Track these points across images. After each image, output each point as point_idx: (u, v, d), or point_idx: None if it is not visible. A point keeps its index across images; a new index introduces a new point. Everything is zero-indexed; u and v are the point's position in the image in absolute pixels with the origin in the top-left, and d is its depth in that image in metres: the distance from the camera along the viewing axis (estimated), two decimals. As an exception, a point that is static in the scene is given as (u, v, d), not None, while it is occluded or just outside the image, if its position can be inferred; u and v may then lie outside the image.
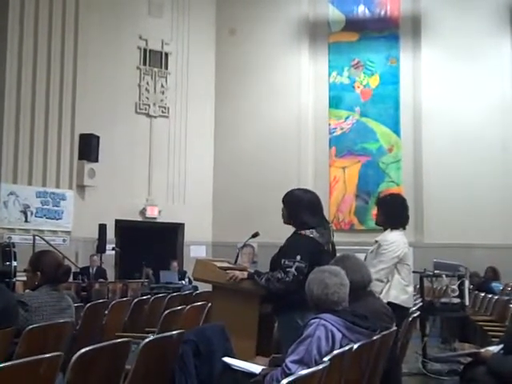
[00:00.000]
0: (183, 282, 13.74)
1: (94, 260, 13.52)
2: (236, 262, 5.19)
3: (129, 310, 6.95)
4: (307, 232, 4.37)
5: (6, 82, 13.81)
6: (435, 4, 15.91)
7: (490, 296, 9.46)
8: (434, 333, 9.56)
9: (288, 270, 4.21)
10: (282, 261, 4.27)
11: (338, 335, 3.29)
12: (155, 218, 15.95)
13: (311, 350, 3.22)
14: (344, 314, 3.40)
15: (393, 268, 5.18)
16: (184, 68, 16.68)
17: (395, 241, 5.22)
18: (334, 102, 16.47)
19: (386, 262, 5.15)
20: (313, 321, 3.32)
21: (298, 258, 4.22)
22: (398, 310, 4.67)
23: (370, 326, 3.46)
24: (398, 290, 5.13)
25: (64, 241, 14.15)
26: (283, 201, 4.57)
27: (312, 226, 4.39)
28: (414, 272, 6.33)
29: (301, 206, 4.45)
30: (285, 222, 4.58)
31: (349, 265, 3.87)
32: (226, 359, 3.65)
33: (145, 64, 16.25)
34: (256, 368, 3.55)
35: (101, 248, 13.92)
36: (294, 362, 3.22)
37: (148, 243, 15.01)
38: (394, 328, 3.99)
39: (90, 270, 13.21)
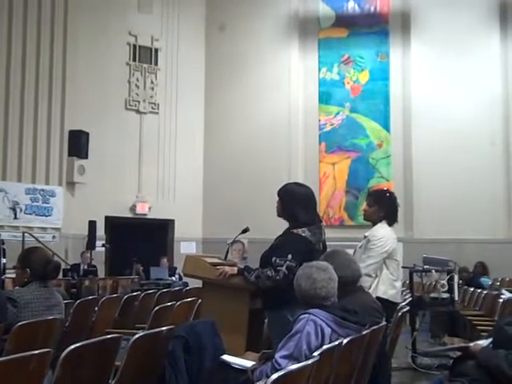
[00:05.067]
0: (173, 278, 13.74)
1: (85, 257, 13.48)
2: (226, 257, 5.17)
3: (119, 307, 6.93)
4: (299, 231, 4.35)
5: (-5, 78, 13.76)
6: (424, 0, 15.95)
7: (479, 291, 9.51)
8: (424, 327, 9.60)
9: (279, 268, 4.20)
10: (273, 259, 4.26)
11: (328, 330, 3.29)
12: (145, 215, 15.94)
13: (301, 346, 3.22)
14: (333, 309, 3.40)
15: (381, 263, 5.19)
16: (174, 64, 16.65)
17: (384, 236, 5.24)
18: (324, 98, 16.49)
19: (375, 257, 5.16)
20: (302, 316, 3.32)
21: (290, 257, 4.21)
22: (387, 305, 4.68)
23: (359, 321, 3.47)
24: (387, 285, 5.14)
25: (54, 238, 14.12)
26: (278, 194, 4.56)
27: (304, 221, 4.37)
28: (403, 267, 6.35)
29: (295, 201, 4.43)
30: (278, 215, 4.57)
31: (338, 260, 3.87)
32: (225, 357, 3.65)
33: (134, 60, 16.22)
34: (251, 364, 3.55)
35: (91, 245, 13.89)
36: (283, 357, 3.23)
37: (138, 240, 14.99)
38: (384, 323, 4.00)
39: (82, 267, 13.17)
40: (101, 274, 13.92)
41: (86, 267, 13.20)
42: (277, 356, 3.25)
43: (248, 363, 3.57)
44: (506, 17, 15.75)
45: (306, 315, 3.31)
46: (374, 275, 5.13)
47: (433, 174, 15.27)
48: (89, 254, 13.57)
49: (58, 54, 14.46)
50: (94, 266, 13.50)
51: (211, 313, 4.39)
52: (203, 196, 16.73)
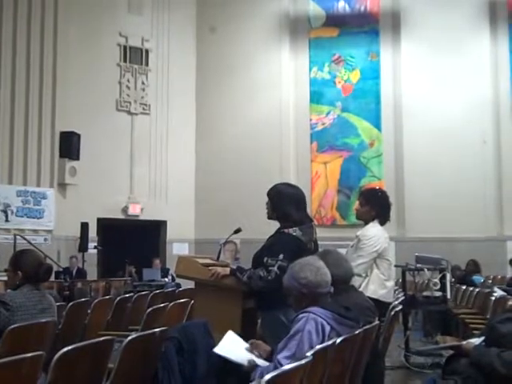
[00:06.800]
0: (166, 279, 13.71)
1: (73, 262, 13.43)
2: (218, 258, 5.17)
3: (112, 309, 6.91)
4: (290, 230, 4.36)
5: (-15, 80, 13.71)
6: (414, -1, 16.01)
7: (471, 289, 9.53)
8: (417, 326, 9.64)
9: (270, 268, 4.21)
10: (265, 259, 4.26)
11: (327, 328, 3.30)
12: (137, 216, 15.91)
13: (303, 345, 3.21)
14: (332, 306, 3.41)
15: (372, 263, 5.19)
16: (164, 65, 16.63)
17: (375, 235, 5.24)
18: (315, 98, 16.51)
19: (365, 257, 5.16)
20: (302, 315, 3.32)
21: (281, 256, 4.21)
22: (377, 305, 4.67)
23: (354, 318, 3.49)
24: (377, 285, 5.14)
25: (45, 240, 14.07)
26: (268, 194, 4.57)
27: (295, 219, 4.38)
28: (396, 266, 6.37)
29: (285, 200, 4.45)
30: (269, 218, 4.58)
31: (330, 260, 3.87)
32: (217, 350, 3.62)
33: (125, 61, 16.19)
34: (244, 357, 3.52)
35: (83, 247, 13.84)
36: (286, 357, 3.21)
37: (130, 241, 14.96)
38: (377, 322, 4.01)
39: (71, 271, 13.11)
40: (93, 275, 13.88)
41: (74, 272, 13.12)
42: (279, 356, 3.24)
43: (241, 355, 3.54)
44: (495, 16, 15.83)
45: (306, 314, 3.31)
46: (364, 275, 5.13)
47: (424, 172, 15.31)
48: (75, 259, 13.49)
49: (49, 55, 14.42)
50: (84, 271, 13.44)
51: (204, 314, 4.38)
52: (195, 197, 16.72)
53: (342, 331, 3.33)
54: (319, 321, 3.28)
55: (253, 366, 3.39)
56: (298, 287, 3.47)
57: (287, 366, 2.61)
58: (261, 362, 3.45)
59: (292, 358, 3.19)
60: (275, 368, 3.18)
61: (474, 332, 6.22)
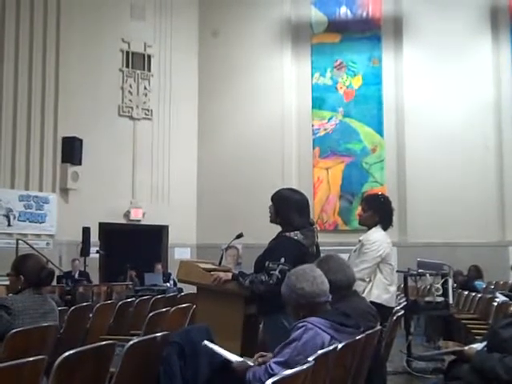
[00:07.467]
0: (168, 284, 13.69)
1: (75, 265, 13.43)
2: (220, 263, 5.17)
3: (113, 313, 6.91)
4: (292, 234, 4.37)
5: (-13, 85, 13.74)
6: (416, 5, 16.00)
7: (473, 294, 9.51)
8: (419, 331, 9.62)
9: (272, 272, 4.21)
10: (266, 263, 4.27)
11: (327, 338, 3.29)
12: (139, 221, 15.91)
13: (296, 354, 3.21)
14: (330, 315, 3.40)
15: (375, 268, 5.20)
16: (167, 70, 16.65)
17: (378, 240, 5.24)
18: (317, 103, 16.51)
19: (369, 262, 5.16)
20: (300, 324, 3.31)
21: (282, 260, 4.22)
22: (381, 310, 4.67)
23: (354, 324, 3.48)
24: (380, 290, 5.14)
25: (47, 244, 14.08)
26: (272, 199, 4.58)
27: (297, 225, 4.39)
28: (398, 271, 6.35)
29: (288, 205, 4.46)
30: (271, 221, 4.59)
31: (332, 265, 3.87)
32: (207, 343, 3.61)
33: (127, 66, 16.21)
34: (234, 357, 3.52)
35: (85, 251, 13.84)
36: (278, 363, 3.22)
37: (132, 246, 14.96)
38: (379, 327, 4.00)
39: (73, 275, 13.11)
40: (95, 280, 13.88)
41: (77, 276, 13.12)
42: (271, 361, 3.26)
43: (234, 356, 3.54)
44: (496, 21, 15.83)
45: (305, 324, 3.30)
46: (367, 279, 5.13)
47: (426, 178, 15.30)
48: (77, 262, 13.50)
49: (51, 60, 14.45)
50: (87, 274, 13.44)
51: (206, 319, 4.38)
52: (197, 201, 16.71)
53: (342, 339, 3.31)
54: (317, 332, 3.28)
55: (244, 364, 3.39)
56: (296, 298, 3.47)
57: (288, 371, 2.60)
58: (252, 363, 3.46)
59: (283, 364, 3.19)
60: (265, 371, 3.20)
61: (476, 337, 6.20)
